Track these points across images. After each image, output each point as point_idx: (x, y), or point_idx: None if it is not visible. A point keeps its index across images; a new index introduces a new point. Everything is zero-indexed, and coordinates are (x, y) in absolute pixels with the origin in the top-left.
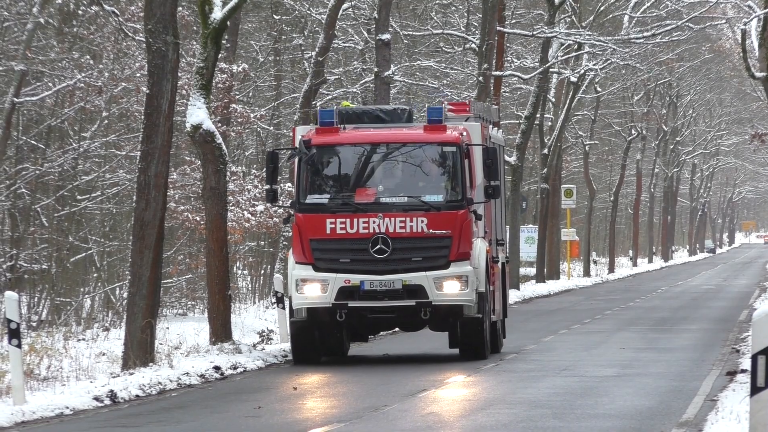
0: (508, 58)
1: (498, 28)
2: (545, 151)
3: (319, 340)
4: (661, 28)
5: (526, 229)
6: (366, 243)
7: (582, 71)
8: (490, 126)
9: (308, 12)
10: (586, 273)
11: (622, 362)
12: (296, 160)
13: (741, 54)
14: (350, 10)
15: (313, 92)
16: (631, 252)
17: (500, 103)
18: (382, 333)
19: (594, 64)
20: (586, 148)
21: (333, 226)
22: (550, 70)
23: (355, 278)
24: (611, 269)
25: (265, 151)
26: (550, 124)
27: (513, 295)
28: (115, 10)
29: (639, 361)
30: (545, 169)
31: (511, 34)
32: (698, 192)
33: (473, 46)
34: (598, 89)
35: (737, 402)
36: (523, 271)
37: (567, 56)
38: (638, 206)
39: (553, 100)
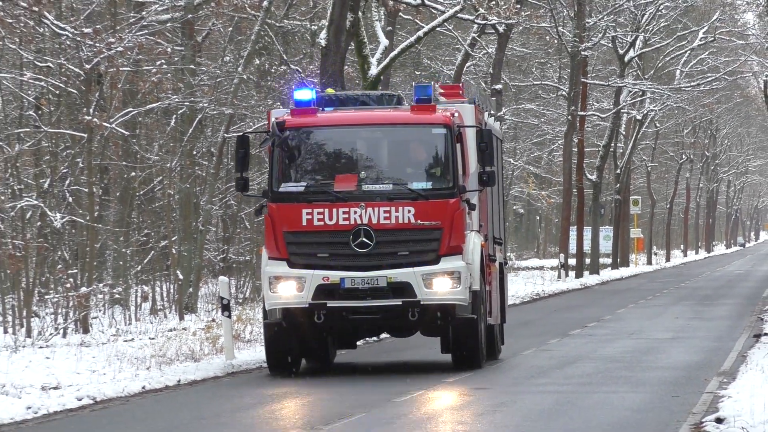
0: (590, 102)
1: (582, 79)
2: (618, 171)
3: (297, 347)
4: (703, 79)
5: (604, 230)
6: (346, 236)
7: (645, 111)
8: (486, 113)
9: (441, 68)
10: (649, 262)
11: (676, 328)
12: (269, 144)
13: (763, 98)
14: (472, 66)
15: None
16: (682, 246)
17: (584, 135)
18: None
19: (654, 106)
20: (648, 168)
21: (310, 217)
22: (621, 110)
23: (335, 275)
24: (667, 259)
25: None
26: (621, 150)
27: (594, 279)
28: (299, 69)
29: (689, 327)
30: (618, 185)
31: (591, 84)
32: (732, 201)
33: (564, 93)
34: (657, 125)
35: (761, 357)
36: (602, 260)
37: (634, 100)
38: (687, 212)
39: (624, 133)
